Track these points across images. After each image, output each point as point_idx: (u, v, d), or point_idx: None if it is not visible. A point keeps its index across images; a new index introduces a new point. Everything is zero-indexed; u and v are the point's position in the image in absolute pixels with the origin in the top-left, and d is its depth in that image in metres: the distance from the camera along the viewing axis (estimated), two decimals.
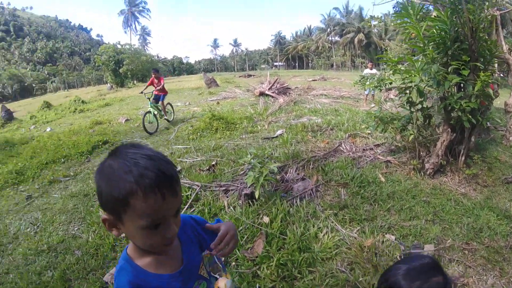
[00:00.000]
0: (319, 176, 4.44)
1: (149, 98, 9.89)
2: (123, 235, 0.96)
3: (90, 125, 11.88)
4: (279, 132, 7.31)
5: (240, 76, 41.81)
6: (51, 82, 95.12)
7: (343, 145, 5.79)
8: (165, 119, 10.31)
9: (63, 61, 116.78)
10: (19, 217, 4.94)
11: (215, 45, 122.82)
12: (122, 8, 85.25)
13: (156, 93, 10.15)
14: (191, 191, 4.39)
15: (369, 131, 6.27)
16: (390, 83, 5.28)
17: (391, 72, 4.94)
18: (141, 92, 10.31)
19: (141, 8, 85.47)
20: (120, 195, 0.84)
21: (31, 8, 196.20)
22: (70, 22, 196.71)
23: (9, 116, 19.48)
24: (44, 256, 3.70)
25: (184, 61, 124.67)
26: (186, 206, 4.01)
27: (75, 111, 19.14)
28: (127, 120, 12.06)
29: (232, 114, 9.84)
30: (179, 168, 5.55)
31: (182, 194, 4.24)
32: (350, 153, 5.43)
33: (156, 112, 9.74)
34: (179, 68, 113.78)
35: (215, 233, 1.16)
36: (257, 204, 3.83)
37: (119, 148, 0.92)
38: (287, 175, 4.60)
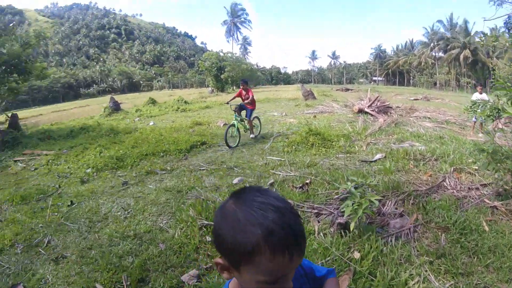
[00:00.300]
0: (418, 215, 3.98)
1: (235, 111, 9.40)
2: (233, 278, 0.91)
3: (190, 124, 12.69)
4: (378, 156, 6.86)
5: (337, 90, 41.30)
6: (157, 81, 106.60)
7: (447, 180, 5.16)
8: (250, 137, 9.78)
9: (169, 63, 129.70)
10: (112, 200, 5.42)
11: (313, 56, 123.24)
12: (225, 19, 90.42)
13: (244, 105, 9.61)
14: None
15: (476, 167, 5.54)
16: (502, 113, 4.57)
17: (505, 100, 4.25)
18: (227, 103, 9.90)
19: (242, 19, 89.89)
20: (245, 250, 0.78)
21: (140, 15, 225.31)
22: (177, 30, 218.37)
23: (116, 107, 21.74)
24: (128, 241, 3.94)
25: (282, 71, 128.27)
26: None
27: (177, 109, 20.68)
28: (225, 124, 12.54)
29: (329, 130, 9.59)
30: (272, 180, 5.51)
31: None
32: (454, 191, 4.81)
33: (239, 126, 9.34)
34: (277, 77, 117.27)
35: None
36: (349, 236, 3.54)
37: (244, 193, 0.86)
38: (385, 208, 4.19)
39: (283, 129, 10.97)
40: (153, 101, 25.66)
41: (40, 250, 3.99)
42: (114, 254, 3.67)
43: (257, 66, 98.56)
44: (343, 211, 3.63)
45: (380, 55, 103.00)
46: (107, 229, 4.33)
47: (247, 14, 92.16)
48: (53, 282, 3.34)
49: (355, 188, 3.77)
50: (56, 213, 5.10)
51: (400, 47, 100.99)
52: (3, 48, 13.52)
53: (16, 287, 3.34)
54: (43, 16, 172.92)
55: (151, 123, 14.56)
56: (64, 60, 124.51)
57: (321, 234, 3.68)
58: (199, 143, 9.11)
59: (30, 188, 6.57)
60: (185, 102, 24.54)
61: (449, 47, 68.25)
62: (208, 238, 3.75)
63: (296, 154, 7.48)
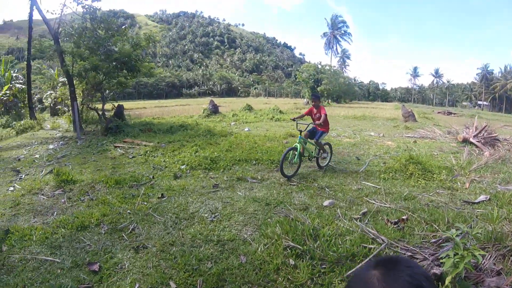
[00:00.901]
0: None
1: (300, 131, 7.66)
2: None
3: (284, 135, 12.62)
4: (481, 197, 5.85)
5: (438, 112, 38.36)
6: (254, 88, 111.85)
7: None
8: (318, 164, 8.13)
9: (267, 72, 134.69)
10: (201, 200, 5.45)
11: (415, 73, 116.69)
12: (325, 31, 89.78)
13: (315, 127, 8.04)
14: (375, 245, 3.83)
15: None
16: None
17: None
18: (293, 119, 8.10)
19: (342, 32, 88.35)
20: None
21: (242, 25, 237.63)
22: (276, 40, 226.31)
23: (215, 110, 22.78)
24: (211, 246, 3.85)
25: (380, 87, 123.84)
26: (366, 260, 3.48)
27: (272, 118, 20.90)
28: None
29: (431, 160, 8.65)
30: (365, 210, 5.07)
31: (366, 246, 3.75)
32: None
33: (303, 151, 7.71)
34: (374, 93, 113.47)
35: None
36: None
37: (395, 268, 0.81)
38: (483, 262, 3.56)
39: (380, 152, 10.23)
40: (249, 108, 26.42)
41: (124, 235, 4.14)
42: (194, 255, 3.63)
43: (354, 80, 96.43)
44: (441, 261, 3.23)
45: (486, 76, 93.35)
46: (192, 228, 4.34)
47: (347, 27, 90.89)
48: (129, 269, 3.40)
49: (461, 239, 3.26)
50: (145, 203, 5.32)
51: (509, 68, 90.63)
52: (115, 47, 15.25)
53: (93, 265, 3.46)
54: (152, 21, 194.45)
55: (246, 129, 14.85)
56: (170, 62, 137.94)
57: None
58: None
59: (125, 174, 7.06)
60: (280, 111, 24.71)
61: None
62: (291, 262, 3.50)
63: (393, 183, 6.81)
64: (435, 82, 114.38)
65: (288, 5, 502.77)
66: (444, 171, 7.67)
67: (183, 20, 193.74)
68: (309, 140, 8.00)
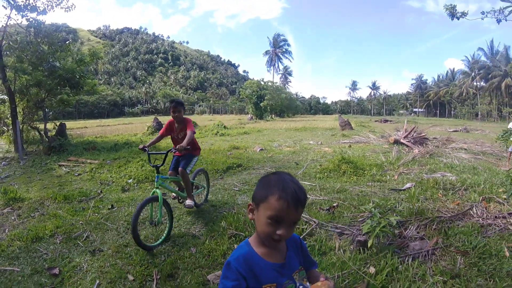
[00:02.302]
0: (439, 239, 4.06)
1: (157, 167, 4.72)
2: (253, 221, 1.43)
3: (228, 148, 13.21)
4: (408, 185, 6.85)
5: (376, 121, 41.16)
6: (199, 106, 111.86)
7: (474, 209, 5.11)
8: (186, 205, 5.24)
9: (212, 90, 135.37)
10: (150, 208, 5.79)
11: (353, 87, 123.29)
12: (267, 49, 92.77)
13: (178, 154, 5.49)
14: (307, 226, 4.49)
15: (505, 196, 5.46)
16: None
17: None
18: (143, 149, 5.05)
19: (284, 50, 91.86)
20: (266, 194, 1.35)
21: (187, 42, 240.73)
22: (221, 58, 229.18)
23: (159, 127, 22.89)
24: (164, 244, 4.28)
25: (321, 101, 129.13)
26: (300, 238, 4.08)
27: (216, 133, 21.54)
28: (261, 149, 12.92)
29: (362, 160, 9.67)
30: None
31: (299, 227, 4.42)
32: (480, 219, 4.79)
33: (170, 192, 5.71)
34: (316, 107, 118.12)
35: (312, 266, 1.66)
36: (367, 253, 3.73)
37: (279, 172, 1.46)
38: (406, 231, 4.33)
39: (318, 157, 11.12)
40: (194, 124, 26.70)
41: (79, 242, 4.37)
42: (148, 252, 4.00)
43: (296, 95, 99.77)
44: (363, 229, 3.90)
45: (421, 86, 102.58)
46: (144, 231, 4.68)
47: (288, 45, 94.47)
48: (88, 270, 3.68)
49: (377, 210, 4.01)
50: (96, 214, 5.54)
51: (441, 77, 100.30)
52: (58, 63, 14.88)
53: (52, 270, 3.68)
54: (95, 36, 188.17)
55: None
56: (112, 79, 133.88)
57: (341, 250, 3.87)
58: (235, 165, 9.43)
59: (73, 190, 7.16)
60: (225, 127, 25.38)
61: (490, 76, 66.97)
62: (236, 246, 4.03)
63: (327, 180, 7.61)
64: (372, 94, 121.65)
65: (232, 24, 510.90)
66: (374, 168, 8.64)
67: (126, 36, 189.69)
68: (170, 179, 5.26)
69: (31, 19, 14.40)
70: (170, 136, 5.47)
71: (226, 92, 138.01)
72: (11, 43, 14.69)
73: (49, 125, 16.99)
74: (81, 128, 30.48)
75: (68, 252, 4.16)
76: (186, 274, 3.52)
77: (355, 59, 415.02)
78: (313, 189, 6.75)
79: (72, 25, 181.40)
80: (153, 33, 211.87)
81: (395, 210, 4.93)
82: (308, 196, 6.10)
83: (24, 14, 14.30)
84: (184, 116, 5.31)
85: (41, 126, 15.93)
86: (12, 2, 14.22)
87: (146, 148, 4.98)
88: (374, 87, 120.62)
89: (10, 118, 15.46)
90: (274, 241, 1.37)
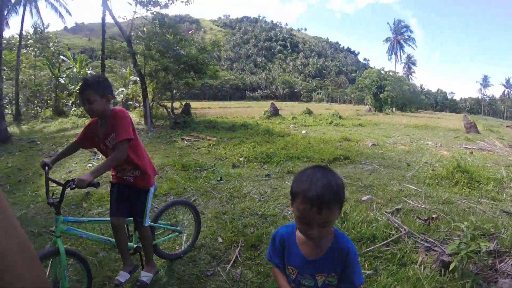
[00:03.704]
0: None
1: (53, 204, 2.53)
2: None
3: (339, 139, 13.07)
4: None
5: (508, 126, 35.04)
6: (317, 93, 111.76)
7: None
8: (139, 281, 2.96)
9: (330, 77, 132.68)
10: (253, 185, 6.27)
11: (485, 83, 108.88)
12: (387, 36, 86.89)
13: (116, 180, 3.02)
14: (396, 232, 4.28)
15: None
16: None
17: None
18: (44, 166, 2.73)
19: (406, 37, 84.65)
20: (296, 192, 1.39)
21: (305, 29, 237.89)
22: (340, 45, 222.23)
23: (275, 112, 23.92)
24: (255, 218, 4.65)
25: (449, 96, 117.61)
26: (383, 243, 3.96)
27: (331, 123, 21.35)
28: (373, 144, 12.43)
29: (481, 171, 8.55)
30: (399, 207, 5.47)
31: (388, 232, 4.27)
32: None
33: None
34: (442, 103, 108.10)
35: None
36: (447, 277, 3.37)
37: (319, 166, 1.47)
38: (501, 264, 3.70)
39: (433, 160, 10.27)
40: (309, 112, 27.04)
41: None
42: (241, 222, 4.40)
43: (421, 88, 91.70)
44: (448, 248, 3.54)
45: None
46: (242, 204, 5.15)
47: (411, 32, 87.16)
48: (189, 226, 4.25)
49: (470, 230, 3.55)
50: (206, 183, 6.29)
51: None
52: (183, 51, 16.89)
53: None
54: (217, 25, 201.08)
55: (304, 132, 15.41)
56: (234, 65, 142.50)
57: (422, 266, 3.61)
58: (342, 157, 9.31)
59: (190, 161, 8.12)
60: (340, 117, 24.93)
61: None
62: None
63: (436, 188, 6.97)
64: (506, 92, 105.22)
65: (350, 9, 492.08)
66: (492, 182, 7.68)
67: (246, 25, 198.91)
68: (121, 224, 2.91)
69: (155, 13, 16.66)
70: (96, 146, 3.00)
71: (345, 80, 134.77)
72: (139, 33, 17.21)
73: (176, 104, 19.18)
74: (204, 109, 33.29)
75: (174, 210, 4.84)
76: (266, 248, 3.75)
77: (488, 50, 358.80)
78: (417, 195, 6.37)
79: (194, 16, 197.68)
80: (271, 21, 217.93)
81: (497, 236, 4.33)
82: (411, 202, 5.84)
83: (148, 8, 16.60)
84: (112, 108, 2.83)
85: (169, 104, 18.09)
86: None
87: (47, 166, 2.76)
88: (508, 85, 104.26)
89: (141, 97, 18.10)
90: (308, 239, 1.45)
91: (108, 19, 20.58)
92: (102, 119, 2.80)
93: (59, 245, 2.52)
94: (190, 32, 19.59)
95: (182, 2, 17.42)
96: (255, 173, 7.31)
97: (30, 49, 33.48)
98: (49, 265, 2.66)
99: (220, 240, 3.98)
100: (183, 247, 3.75)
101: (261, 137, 12.25)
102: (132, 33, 17.64)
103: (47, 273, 2.50)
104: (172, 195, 5.49)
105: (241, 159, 8.66)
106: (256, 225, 4.43)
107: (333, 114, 25.40)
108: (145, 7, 16.92)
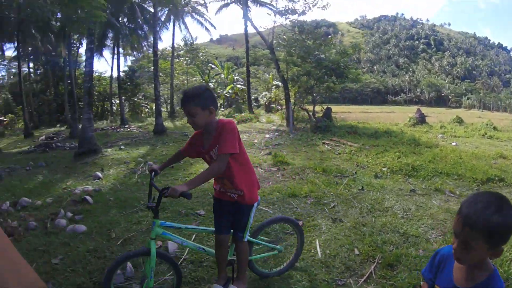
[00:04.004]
0: None
1: (152, 208, 2.67)
2: None
3: (493, 155, 11.39)
4: None
5: None
6: (467, 98, 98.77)
7: None
8: None
9: (482, 79, 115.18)
10: (396, 199, 5.95)
11: None
12: None
13: (218, 196, 3.00)
14: None
15: None
16: None
17: None
18: (151, 171, 2.95)
19: None
20: (461, 204, 1.36)
21: (449, 24, 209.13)
22: (489, 40, 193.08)
23: (422, 119, 21.89)
24: (396, 235, 4.38)
25: None
26: None
27: (484, 135, 18.55)
28: None
29: None
30: None
31: None
32: None
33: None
34: None
35: None
36: None
37: (488, 192, 1.36)
38: None
39: None
40: (459, 120, 24.33)
41: (325, 208, 5.22)
42: (381, 238, 4.26)
43: None
44: None
45: None
46: (383, 218, 4.96)
47: None
48: (325, 232, 4.44)
49: None
50: (347, 190, 6.30)
51: None
52: (324, 55, 17.08)
53: (298, 221, 4.43)
54: (354, 27, 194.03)
55: (454, 144, 13.95)
56: (375, 67, 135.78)
57: None
58: (497, 178, 8.06)
59: (331, 166, 8.25)
60: (494, 128, 21.54)
61: None
62: None
63: None
64: None
65: None
66: None
67: (384, 24, 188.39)
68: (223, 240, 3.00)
69: (293, 20, 17.32)
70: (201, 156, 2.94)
71: (498, 83, 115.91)
72: (280, 41, 18.12)
73: (317, 108, 19.55)
74: (344, 113, 32.87)
75: (313, 213, 5.08)
76: (403, 271, 3.57)
77: None
78: None
79: (330, 19, 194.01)
80: (411, 18, 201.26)
81: None
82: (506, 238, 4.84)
83: (286, 17, 17.32)
84: (219, 119, 2.73)
85: (310, 108, 18.58)
86: (275, 9, 17.50)
87: (154, 172, 2.94)
88: None
89: (283, 100, 19.19)
90: (455, 258, 1.39)
91: (250, 30, 22.51)
92: (207, 130, 2.74)
93: (151, 247, 2.65)
94: (329, 36, 19.75)
95: (319, 7, 17.85)
96: (398, 186, 6.95)
97: (182, 58, 39.55)
98: (142, 262, 3.08)
99: (356, 252, 3.95)
100: (281, 267, 3.55)
101: (406, 146, 11.49)
102: (274, 41, 18.74)
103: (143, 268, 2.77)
104: (312, 198, 5.71)
105: (384, 169, 8.29)
106: (396, 243, 4.23)
107: (487, 124, 22.19)
108: (284, 16, 17.81)
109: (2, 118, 35.77)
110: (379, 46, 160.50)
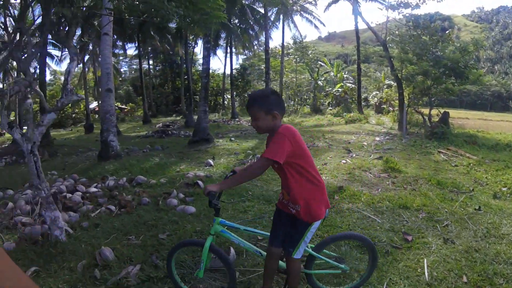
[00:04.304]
0: None
1: (215, 207, 2.60)
2: None
3: None
4: None
5: None
6: None
7: None
8: None
9: None
10: None
11: None
12: None
13: (281, 207, 2.82)
14: None
15: None
16: None
17: None
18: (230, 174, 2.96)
19: None
20: None
21: None
22: None
23: None
24: (509, 267, 3.90)
25: None
26: None
27: None
28: None
29: None
30: None
31: None
32: None
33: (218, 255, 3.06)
34: None
35: None
36: None
37: None
38: None
39: None
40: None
41: (437, 226, 4.83)
42: (492, 268, 3.81)
43: None
44: None
45: None
46: (498, 246, 4.40)
47: None
48: (434, 252, 4.08)
49: None
50: (462, 209, 5.69)
51: None
52: (443, 53, 15.26)
53: (407, 235, 4.37)
54: (471, 21, 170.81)
55: None
56: (496, 67, 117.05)
57: None
58: None
59: (446, 179, 7.58)
60: None
61: None
62: None
63: None
64: None
65: None
66: None
67: (504, 17, 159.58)
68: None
69: (407, 15, 15.85)
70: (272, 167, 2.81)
71: None
72: (393, 37, 16.75)
73: (433, 112, 18.11)
74: (462, 119, 29.66)
75: (425, 229, 4.73)
76: None
77: None
78: None
79: (445, 13, 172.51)
80: None
81: None
82: None
83: (399, 11, 15.90)
84: (281, 124, 2.57)
85: (425, 111, 17.16)
86: (386, 3, 16.13)
87: (233, 173, 2.96)
88: None
89: (396, 101, 17.91)
90: None
91: (360, 26, 21.47)
92: (271, 135, 2.61)
93: (206, 242, 2.75)
94: (447, 32, 17.83)
95: (433, 0, 16.22)
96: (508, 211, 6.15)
97: (291, 56, 40.45)
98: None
99: (464, 279, 3.60)
100: (344, 286, 3.27)
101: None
102: (388, 38, 17.64)
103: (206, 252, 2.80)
104: (424, 212, 5.35)
105: (504, 189, 7.24)
106: (508, 277, 3.72)
107: None
108: (396, 10, 16.58)
109: (123, 106, 41.40)
110: (500, 42, 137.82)
